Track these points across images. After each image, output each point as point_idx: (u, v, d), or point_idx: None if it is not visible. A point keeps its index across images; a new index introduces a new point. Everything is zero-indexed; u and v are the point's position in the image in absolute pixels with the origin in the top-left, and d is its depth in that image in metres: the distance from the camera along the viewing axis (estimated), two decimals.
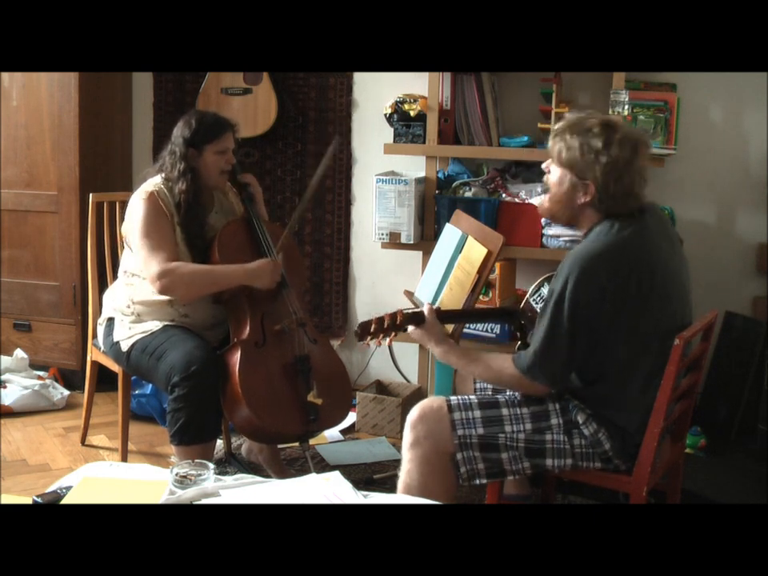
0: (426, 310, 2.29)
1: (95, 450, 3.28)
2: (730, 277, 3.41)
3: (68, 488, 1.81)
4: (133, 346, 2.75)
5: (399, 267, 3.70)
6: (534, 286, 2.37)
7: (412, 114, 3.40)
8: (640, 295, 2.03)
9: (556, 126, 2.14)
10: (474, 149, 3.37)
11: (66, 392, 3.73)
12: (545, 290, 2.33)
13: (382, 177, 3.37)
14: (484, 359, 2.21)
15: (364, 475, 3.04)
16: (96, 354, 3.09)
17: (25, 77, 3.71)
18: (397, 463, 2.33)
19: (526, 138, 3.29)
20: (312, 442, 3.00)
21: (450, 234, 2.78)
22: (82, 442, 3.30)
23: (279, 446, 3.01)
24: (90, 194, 3.14)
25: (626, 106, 3.10)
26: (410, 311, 2.31)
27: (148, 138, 4.04)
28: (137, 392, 3.47)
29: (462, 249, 2.66)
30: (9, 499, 1.95)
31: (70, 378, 3.85)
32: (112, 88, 3.90)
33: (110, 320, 2.87)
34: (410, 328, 2.29)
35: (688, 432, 2.54)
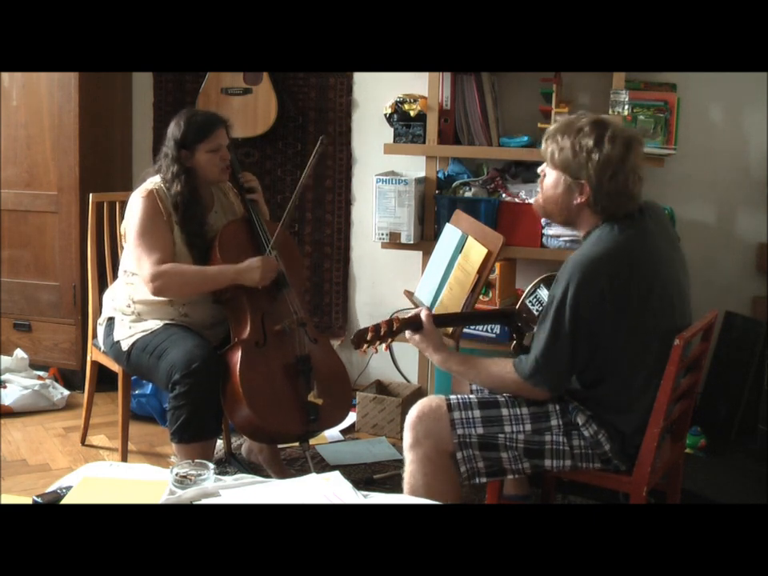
0: (423, 316, 2.27)
1: (95, 450, 3.28)
2: (730, 277, 3.41)
3: (68, 488, 1.81)
4: (133, 345, 2.76)
5: (399, 267, 3.70)
6: (529, 287, 2.37)
7: (412, 114, 3.39)
8: (640, 297, 2.03)
9: (548, 129, 2.13)
10: (474, 149, 3.37)
11: (66, 392, 3.73)
12: (540, 292, 2.33)
13: (381, 177, 3.37)
14: (484, 365, 2.20)
15: (364, 475, 3.03)
16: (96, 354, 3.09)
17: (25, 77, 3.70)
18: (397, 463, 2.34)
19: (525, 138, 3.29)
20: (312, 441, 3.00)
21: (449, 234, 2.77)
22: (82, 442, 3.31)
23: (279, 446, 3.01)
24: (90, 194, 3.14)
25: (626, 106, 3.10)
26: (406, 317, 2.30)
27: (148, 138, 4.04)
28: (137, 392, 3.47)
29: (462, 249, 2.66)
30: (9, 499, 1.95)
31: (69, 378, 3.86)
32: (112, 88, 3.90)
33: (110, 319, 2.88)
34: (408, 333, 2.29)
35: (688, 432, 2.54)
